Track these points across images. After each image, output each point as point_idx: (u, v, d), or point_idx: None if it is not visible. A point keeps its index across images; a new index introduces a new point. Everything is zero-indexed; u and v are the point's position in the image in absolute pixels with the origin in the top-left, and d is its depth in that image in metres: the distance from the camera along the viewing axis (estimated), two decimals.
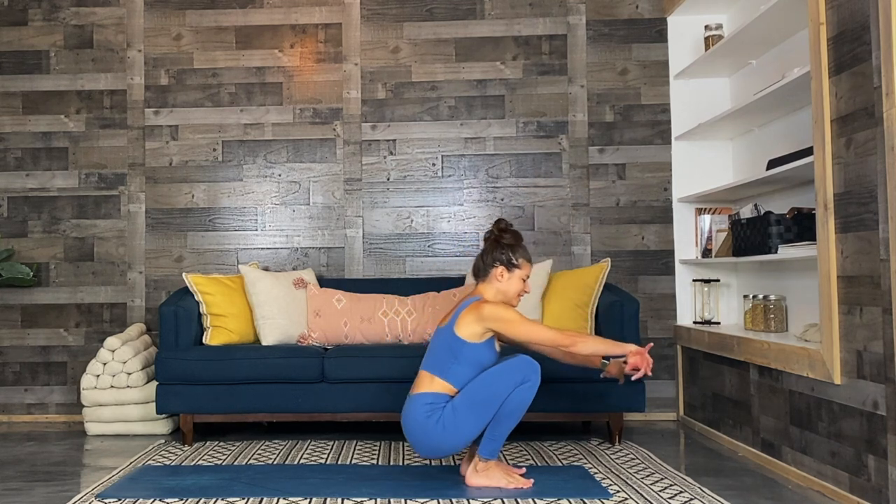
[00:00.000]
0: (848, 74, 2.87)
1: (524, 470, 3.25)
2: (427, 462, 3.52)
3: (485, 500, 2.93)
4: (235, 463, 3.55)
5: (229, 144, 4.83)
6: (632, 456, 3.64)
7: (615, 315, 3.92)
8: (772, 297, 3.84)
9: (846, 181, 2.89)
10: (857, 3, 2.80)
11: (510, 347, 3.36)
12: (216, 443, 4.00)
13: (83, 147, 4.84)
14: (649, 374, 3.08)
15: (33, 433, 4.42)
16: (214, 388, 3.92)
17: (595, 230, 4.71)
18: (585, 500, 2.90)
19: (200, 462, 3.58)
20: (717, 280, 4.42)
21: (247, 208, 4.81)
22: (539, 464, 3.48)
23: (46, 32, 4.88)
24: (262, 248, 4.80)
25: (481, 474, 3.08)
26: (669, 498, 2.93)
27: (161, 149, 4.83)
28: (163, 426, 4.28)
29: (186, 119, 4.83)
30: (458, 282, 4.45)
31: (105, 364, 4.27)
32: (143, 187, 4.82)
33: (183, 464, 3.55)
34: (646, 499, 2.92)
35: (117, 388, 4.25)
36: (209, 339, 4.11)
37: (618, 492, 3.02)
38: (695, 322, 4.50)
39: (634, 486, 3.11)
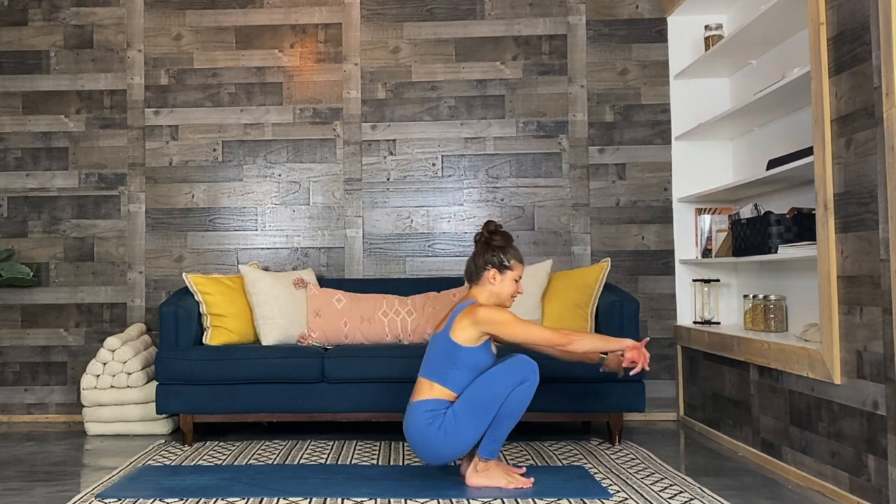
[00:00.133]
0: (848, 74, 2.87)
1: (524, 469, 3.25)
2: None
3: (485, 500, 2.93)
4: (235, 463, 3.55)
5: (229, 144, 4.83)
6: (632, 456, 3.64)
7: (615, 315, 3.92)
8: (772, 297, 3.84)
9: (846, 181, 2.89)
10: (857, 3, 2.80)
11: (507, 347, 3.36)
12: (216, 443, 4.00)
13: (83, 147, 4.84)
14: (647, 368, 3.08)
15: (33, 433, 4.42)
16: (214, 388, 3.92)
17: (595, 230, 4.71)
18: (585, 500, 2.90)
19: (200, 462, 3.58)
20: (717, 280, 4.42)
21: (247, 208, 4.81)
22: (539, 464, 3.48)
23: (46, 32, 4.88)
24: (262, 248, 4.80)
25: (481, 474, 3.09)
26: (669, 498, 2.93)
27: (161, 149, 4.83)
28: (163, 426, 4.28)
29: (186, 119, 4.83)
30: (458, 282, 4.45)
31: (105, 364, 4.27)
32: (143, 187, 4.82)
33: (183, 464, 3.55)
34: (646, 499, 2.92)
35: (117, 388, 4.25)
36: (209, 339, 4.11)
37: (618, 492, 3.02)
38: (695, 322, 4.50)
39: (634, 486, 3.11)
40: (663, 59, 4.73)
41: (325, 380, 3.93)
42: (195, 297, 4.15)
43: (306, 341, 4.23)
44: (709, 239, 4.45)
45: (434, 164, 4.78)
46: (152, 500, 2.96)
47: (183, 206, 4.81)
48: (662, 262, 4.68)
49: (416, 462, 3.52)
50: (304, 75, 4.82)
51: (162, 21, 4.86)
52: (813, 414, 3.15)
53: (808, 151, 3.31)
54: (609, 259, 4.19)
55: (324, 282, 4.54)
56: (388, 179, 4.78)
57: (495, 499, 2.94)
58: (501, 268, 3.17)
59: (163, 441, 4.08)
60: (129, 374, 4.25)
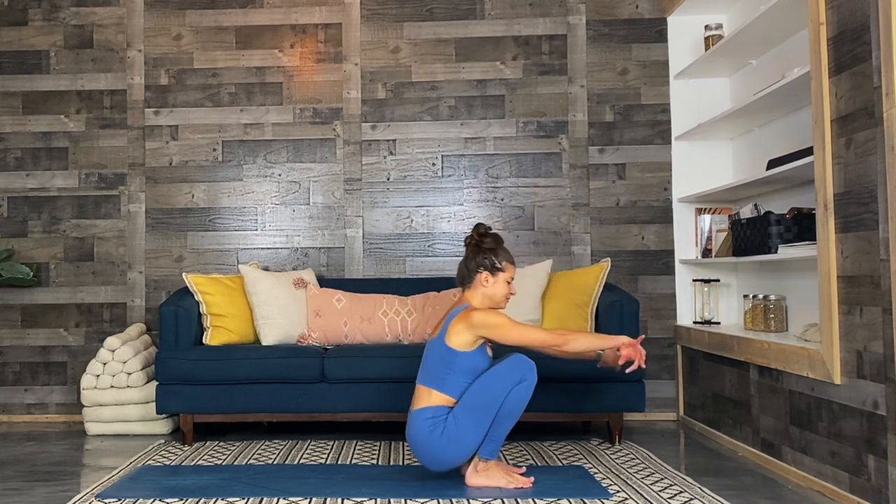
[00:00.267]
0: (848, 74, 2.87)
1: (524, 469, 3.25)
2: None
3: (485, 500, 2.93)
4: (235, 463, 3.55)
5: (229, 144, 4.83)
6: (632, 456, 3.64)
7: (615, 315, 3.92)
8: (772, 297, 3.84)
9: (846, 181, 2.89)
10: (857, 3, 2.80)
11: (504, 347, 3.36)
12: (216, 443, 4.00)
13: (83, 147, 4.85)
14: (643, 365, 3.09)
15: (33, 433, 4.42)
16: (214, 388, 3.92)
17: (595, 230, 4.71)
18: (585, 500, 2.90)
19: (200, 462, 3.58)
20: (717, 280, 4.42)
21: (247, 208, 4.81)
22: (539, 464, 3.48)
23: (46, 32, 4.88)
24: (262, 248, 4.80)
25: (481, 474, 3.09)
26: (669, 498, 2.93)
27: (161, 149, 4.83)
28: (163, 426, 4.28)
29: (186, 119, 4.83)
30: None
31: (105, 364, 4.27)
32: (143, 187, 4.82)
33: (183, 464, 3.55)
34: (646, 499, 2.92)
35: (117, 388, 4.25)
36: (209, 339, 4.11)
37: (618, 492, 3.02)
38: (695, 322, 4.50)
39: (634, 486, 3.11)
40: (663, 59, 4.73)
41: (325, 380, 3.93)
42: (195, 297, 4.15)
43: (306, 341, 4.23)
44: (709, 239, 4.45)
45: (434, 164, 4.78)
46: (152, 500, 2.96)
47: (183, 206, 4.81)
48: (662, 262, 4.68)
49: (416, 462, 3.52)
50: (304, 75, 4.82)
51: (162, 21, 4.86)
52: (813, 414, 3.15)
53: (808, 151, 3.31)
54: (609, 259, 4.19)
55: (324, 282, 4.54)
56: (388, 179, 4.78)
57: (495, 499, 2.94)
58: (493, 270, 3.17)
59: (163, 441, 4.08)
60: (129, 374, 4.25)
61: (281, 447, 3.87)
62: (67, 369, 4.78)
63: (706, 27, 4.38)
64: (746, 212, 3.92)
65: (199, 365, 3.91)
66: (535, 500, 2.91)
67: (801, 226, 3.49)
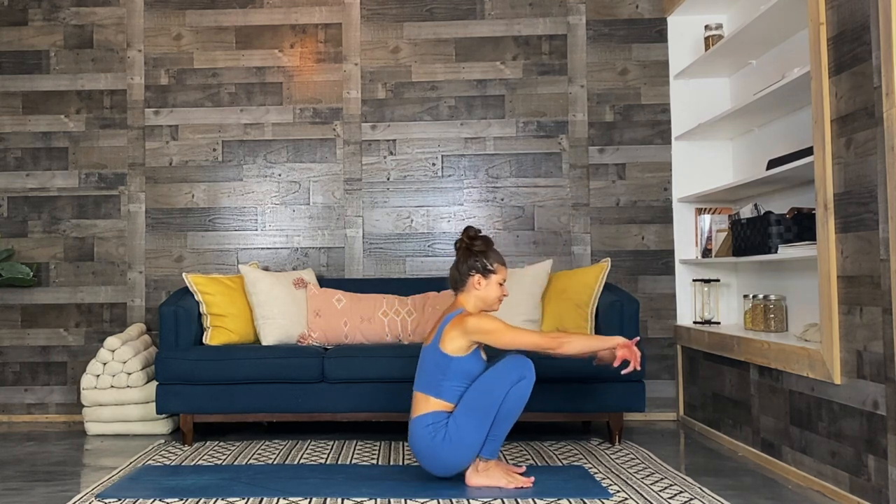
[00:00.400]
0: (848, 74, 2.87)
1: (524, 468, 3.26)
2: None
3: (485, 500, 2.93)
4: (235, 463, 3.55)
5: (229, 144, 4.83)
6: (632, 456, 3.64)
7: (615, 315, 3.92)
8: (772, 297, 3.84)
9: (846, 181, 2.89)
10: (857, 3, 2.80)
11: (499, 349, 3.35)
12: (216, 443, 4.00)
13: (83, 147, 4.85)
14: (638, 367, 3.09)
15: (33, 433, 4.42)
16: (214, 388, 3.92)
17: (595, 230, 4.71)
18: (585, 500, 2.90)
19: (200, 462, 3.58)
20: (717, 280, 4.42)
21: (247, 208, 4.81)
22: (539, 464, 3.48)
23: (46, 32, 4.88)
24: (262, 248, 4.80)
25: (482, 474, 3.09)
26: (669, 498, 2.93)
27: (161, 149, 4.83)
28: (163, 426, 4.28)
29: (186, 119, 4.83)
30: None
31: (105, 364, 4.27)
32: (143, 187, 4.82)
33: (183, 464, 3.55)
34: (646, 499, 2.92)
35: (117, 388, 4.25)
36: (209, 339, 4.11)
37: (618, 492, 3.02)
38: (695, 322, 4.50)
39: (634, 486, 3.11)
40: (663, 59, 4.73)
41: (325, 380, 3.93)
42: (195, 297, 4.15)
43: (306, 341, 4.23)
44: (709, 239, 4.46)
45: (434, 164, 4.78)
46: (152, 500, 2.96)
47: (183, 206, 4.81)
48: (662, 262, 4.68)
49: (416, 462, 3.51)
50: (304, 75, 4.82)
51: (162, 21, 4.86)
52: (813, 414, 3.15)
53: (808, 151, 3.31)
54: (609, 259, 4.19)
55: (324, 282, 4.54)
56: (388, 179, 4.78)
57: (495, 499, 2.94)
58: (485, 272, 3.17)
59: (163, 441, 4.08)
60: (129, 374, 4.25)
61: (281, 447, 3.87)
62: (67, 369, 4.78)
63: (706, 27, 4.38)
64: (746, 212, 3.92)
65: (199, 365, 3.91)
66: (535, 500, 2.91)
67: (801, 226, 3.49)
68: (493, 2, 4.79)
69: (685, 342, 4.44)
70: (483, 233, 3.32)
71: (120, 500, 2.97)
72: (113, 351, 4.28)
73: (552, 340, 3.05)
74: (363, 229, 4.77)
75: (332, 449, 3.83)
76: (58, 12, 4.88)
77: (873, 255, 2.73)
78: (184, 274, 4.21)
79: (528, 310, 4.16)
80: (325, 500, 2.94)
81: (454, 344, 3.06)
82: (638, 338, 3.22)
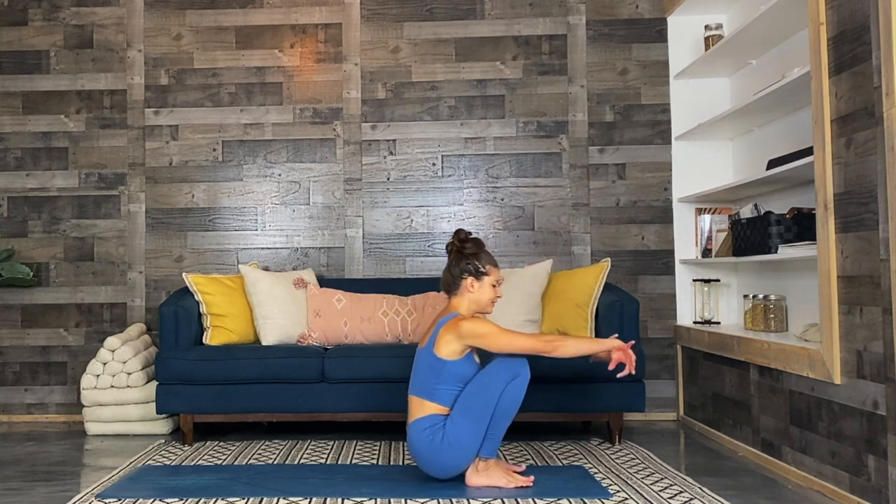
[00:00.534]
0: (848, 74, 2.87)
1: (523, 467, 3.26)
2: None
3: (485, 500, 2.93)
4: (235, 463, 3.55)
5: (229, 144, 4.83)
6: (632, 456, 3.64)
7: (615, 315, 3.92)
8: (772, 297, 3.84)
9: (846, 181, 2.89)
10: (857, 3, 2.80)
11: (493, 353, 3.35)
12: (216, 443, 4.00)
13: (83, 147, 4.84)
14: (633, 371, 3.09)
15: (33, 433, 4.42)
16: (214, 388, 3.92)
17: (595, 230, 4.71)
18: (585, 500, 2.90)
19: (200, 462, 3.58)
20: (717, 280, 4.42)
21: (247, 208, 4.81)
22: (539, 464, 3.48)
23: (46, 32, 4.88)
24: (262, 248, 4.80)
25: (482, 474, 3.09)
26: (669, 498, 2.93)
27: (161, 149, 4.83)
28: (163, 426, 4.28)
29: (186, 119, 4.83)
30: None
31: (105, 364, 4.27)
32: (143, 187, 4.82)
33: (183, 464, 3.55)
34: (646, 499, 2.92)
35: (117, 387, 4.25)
36: (209, 339, 4.11)
37: (618, 492, 3.02)
38: (695, 322, 4.50)
39: (634, 486, 3.11)
40: (663, 59, 4.73)
41: (325, 380, 3.93)
42: (195, 297, 4.15)
43: (306, 341, 4.23)
44: (709, 239, 4.46)
45: (434, 164, 4.78)
46: (152, 500, 2.96)
47: (183, 206, 4.81)
48: (662, 262, 4.68)
49: (416, 462, 3.51)
50: (304, 75, 4.82)
51: (162, 21, 4.86)
52: (813, 414, 3.15)
53: (808, 151, 3.31)
54: (609, 259, 4.19)
55: (324, 282, 4.54)
56: (388, 179, 4.78)
57: (495, 499, 2.94)
58: (478, 274, 3.17)
59: (163, 441, 4.08)
60: (129, 373, 4.25)
61: (281, 447, 3.87)
62: (67, 369, 4.78)
63: (706, 27, 4.38)
64: (746, 212, 3.92)
65: (199, 365, 3.91)
66: (535, 500, 2.91)
67: (801, 226, 3.49)
68: (493, 2, 4.79)
69: (685, 342, 4.44)
70: (474, 235, 3.32)
71: (120, 500, 2.97)
72: (113, 351, 4.28)
73: (546, 344, 3.05)
74: (363, 229, 4.77)
75: (332, 449, 3.83)
76: (58, 12, 4.88)
77: (873, 255, 2.73)
78: (184, 274, 4.21)
79: (528, 310, 4.16)
80: (325, 500, 2.94)
81: (448, 348, 3.07)
82: (633, 341, 3.23)
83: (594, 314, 4.08)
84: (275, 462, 3.56)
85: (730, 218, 4.28)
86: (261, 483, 3.16)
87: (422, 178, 4.78)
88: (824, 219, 3.00)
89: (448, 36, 4.80)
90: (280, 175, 4.81)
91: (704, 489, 3.05)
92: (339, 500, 2.93)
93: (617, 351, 3.10)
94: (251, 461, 3.58)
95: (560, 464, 3.48)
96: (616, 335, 3.37)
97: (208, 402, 3.92)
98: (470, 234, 3.27)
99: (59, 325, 4.80)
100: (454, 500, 2.92)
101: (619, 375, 3.14)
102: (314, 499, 2.94)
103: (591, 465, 3.44)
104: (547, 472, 3.32)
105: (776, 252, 3.53)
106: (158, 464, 3.55)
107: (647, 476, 3.26)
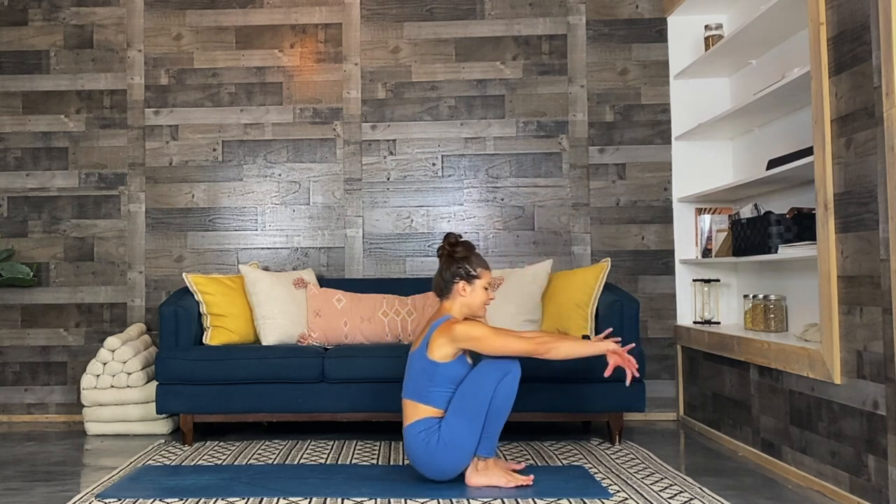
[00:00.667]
0: (848, 74, 2.87)
1: (523, 465, 3.26)
2: None
3: (485, 499, 2.93)
4: (235, 463, 3.55)
5: (229, 144, 4.83)
6: (632, 456, 3.64)
7: (615, 315, 3.91)
8: (772, 297, 3.84)
9: (846, 181, 2.89)
10: (857, 3, 2.80)
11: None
12: (216, 443, 4.00)
13: (83, 147, 4.85)
14: (636, 373, 3.07)
15: (33, 433, 4.42)
16: (214, 388, 3.92)
17: (595, 230, 4.71)
18: (585, 500, 2.90)
19: (200, 462, 3.58)
20: (717, 280, 4.42)
21: (247, 208, 4.81)
22: (539, 464, 3.48)
23: (46, 32, 4.88)
24: (262, 248, 4.80)
25: (482, 473, 3.09)
26: (669, 498, 2.93)
27: (161, 149, 4.83)
28: (163, 426, 4.28)
29: (186, 119, 4.83)
30: None
31: (105, 364, 4.27)
32: (143, 187, 4.82)
33: (183, 464, 3.55)
34: (646, 499, 2.92)
35: (117, 387, 4.25)
36: (209, 339, 4.11)
37: (618, 492, 3.02)
38: (695, 322, 4.50)
39: (634, 486, 3.11)
40: (663, 59, 4.73)
41: (325, 380, 3.93)
42: (195, 296, 4.15)
43: (306, 341, 4.23)
44: (709, 239, 4.46)
45: (434, 164, 4.78)
46: (152, 500, 2.96)
47: (183, 206, 4.81)
48: (662, 262, 4.68)
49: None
50: (304, 75, 4.82)
51: (162, 21, 4.86)
52: (813, 414, 3.15)
53: (808, 151, 3.31)
54: (609, 259, 4.19)
55: (324, 282, 4.54)
56: (388, 179, 4.78)
57: (495, 499, 2.94)
58: (469, 278, 3.17)
59: (163, 441, 4.08)
60: (129, 373, 4.25)
61: (281, 447, 3.87)
62: (67, 369, 4.78)
63: (706, 27, 4.38)
64: (746, 212, 3.92)
65: (199, 365, 3.91)
66: (535, 500, 2.91)
67: (801, 226, 3.49)
68: (493, 2, 4.79)
69: (685, 342, 4.44)
70: (464, 238, 3.32)
71: (120, 500, 2.97)
72: (113, 351, 4.28)
73: (539, 346, 3.04)
74: (363, 229, 4.77)
75: (332, 449, 3.83)
76: (58, 12, 4.88)
77: (873, 255, 2.73)
78: (184, 274, 4.21)
79: (529, 310, 4.16)
80: (325, 500, 2.94)
81: (441, 351, 3.07)
82: (632, 344, 3.21)
83: (594, 314, 4.08)
84: (275, 462, 3.56)
85: (730, 218, 4.28)
86: (261, 483, 3.16)
87: (422, 178, 4.78)
88: (824, 219, 3.00)
89: (448, 36, 4.80)
90: (280, 175, 4.81)
91: (704, 489, 3.05)
92: (339, 500, 2.93)
93: (612, 355, 3.08)
94: (251, 461, 3.58)
95: (560, 464, 3.48)
96: (609, 329, 3.37)
97: (208, 402, 3.92)
98: (460, 237, 3.26)
99: (59, 325, 4.80)
100: (454, 500, 2.92)
101: (627, 384, 3.11)
102: (314, 499, 2.94)
103: (591, 465, 3.44)
104: (547, 472, 3.32)
105: (776, 252, 3.53)
106: (158, 464, 3.55)
107: (647, 476, 3.26)
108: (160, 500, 2.95)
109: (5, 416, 4.78)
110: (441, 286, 3.21)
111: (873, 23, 2.70)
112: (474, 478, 3.09)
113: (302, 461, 3.58)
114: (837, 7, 2.93)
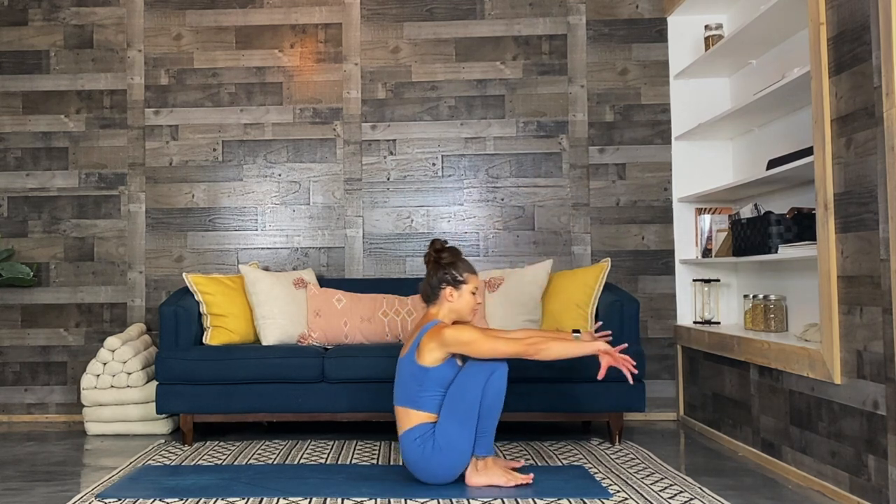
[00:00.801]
0: (848, 74, 2.87)
1: (522, 463, 3.26)
2: None
3: (485, 499, 2.93)
4: (235, 463, 3.55)
5: (229, 144, 4.83)
6: (632, 456, 3.64)
7: (615, 315, 3.92)
8: (772, 297, 3.84)
9: (846, 181, 2.89)
10: (857, 3, 2.80)
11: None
12: (216, 443, 4.00)
13: (83, 147, 4.85)
14: (634, 371, 3.06)
15: (33, 433, 4.42)
16: (214, 388, 3.92)
17: (595, 230, 4.71)
18: (585, 500, 2.90)
19: (200, 462, 3.58)
20: (717, 280, 4.42)
21: (247, 208, 4.81)
22: (539, 464, 3.48)
23: (46, 32, 4.88)
24: (262, 248, 4.80)
25: (481, 473, 3.09)
26: (669, 498, 2.93)
27: (161, 149, 4.83)
28: (163, 426, 4.28)
29: (186, 119, 4.83)
30: None
31: (105, 364, 4.27)
32: (143, 187, 4.82)
33: (183, 464, 3.55)
34: (646, 499, 2.92)
35: (117, 387, 4.25)
36: (209, 339, 4.11)
37: (618, 492, 3.02)
38: (695, 322, 4.50)
39: (634, 486, 3.11)
40: (663, 59, 4.73)
41: (325, 380, 3.93)
42: (195, 296, 4.15)
43: (306, 341, 4.23)
44: (709, 239, 4.46)
45: (434, 164, 4.78)
46: (152, 500, 2.96)
47: (183, 206, 4.81)
48: (662, 261, 4.68)
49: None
50: (304, 75, 4.82)
51: (162, 21, 4.86)
52: (813, 414, 3.15)
53: (808, 151, 3.31)
54: (609, 259, 4.19)
55: (324, 282, 4.54)
56: (388, 179, 4.78)
57: (495, 499, 2.94)
58: (456, 283, 3.17)
59: (163, 441, 4.08)
60: (130, 373, 4.25)
61: (281, 447, 3.87)
62: (67, 369, 4.78)
63: (706, 27, 4.38)
64: (746, 212, 3.92)
65: (199, 365, 3.91)
66: (535, 500, 2.91)
67: (801, 226, 3.49)
68: (493, 2, 4.79)
69: (685, 342, 4.44)
70: (450, 244, 3.33)
71: (120, 500, 2.97)
72: (113, 351, 4.28)
73: (529, 347, 3.03)
74: (363, 229, 4.77)
75: (332, 449, 3.83)
76: (58, 12, 4.88)
77: (873, 255, 2.73)
78: (184, 274, 4.21)
79: (529, 310, 4.16)
80: (325, 500, 2.94)
81: (431, 356, 3.07)
82: (625, 345, 3.21)
83: (594, 314, 4.08)
84: (275, 462, 3.56)
85: (730, 218, 4.28)
86: (261, 483, 3.16)
87: (422, 178, 4.78)
88: (824, 219, 3.00)
89: (448, 36, 4.80)
90: (280, 175, 4.81)
91: (704, 489, 3.05)
92: (339, 500, 2.93)
93: (604, 355, 3.07)
94: (251, 461, 3.58)
95: (560, 464, 3.48)
96: (599, 323, 3.37)
97: (208, 402, 3.92)
98: (446, 242, 3.27)
99: (59, 325, 4.80)
100: (454, 500, 2.92)
101: (630, 382, 3.10)
102: (314, 499, 2.94)
103: (591, 465, 3.44)
104: (547, 471, 3.32)
105: (776, 252, 3.53)
106: (158, 464, 3.55)
107: (647, 476, 3.26)
108: (160, 500, 2.95)
109: (5, 416, 4.78)
110: (428, 292, 3.22)
111: (873, 23, 2.70)
112: (474, 477, 3.09)
113: (302, 461, 3.58)
114: (837, 7, 2.93)
